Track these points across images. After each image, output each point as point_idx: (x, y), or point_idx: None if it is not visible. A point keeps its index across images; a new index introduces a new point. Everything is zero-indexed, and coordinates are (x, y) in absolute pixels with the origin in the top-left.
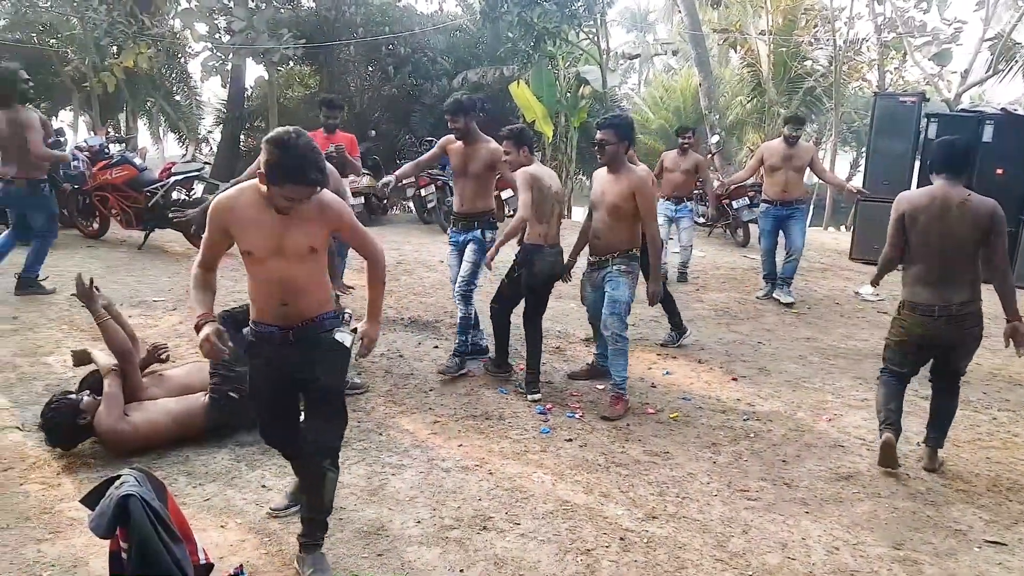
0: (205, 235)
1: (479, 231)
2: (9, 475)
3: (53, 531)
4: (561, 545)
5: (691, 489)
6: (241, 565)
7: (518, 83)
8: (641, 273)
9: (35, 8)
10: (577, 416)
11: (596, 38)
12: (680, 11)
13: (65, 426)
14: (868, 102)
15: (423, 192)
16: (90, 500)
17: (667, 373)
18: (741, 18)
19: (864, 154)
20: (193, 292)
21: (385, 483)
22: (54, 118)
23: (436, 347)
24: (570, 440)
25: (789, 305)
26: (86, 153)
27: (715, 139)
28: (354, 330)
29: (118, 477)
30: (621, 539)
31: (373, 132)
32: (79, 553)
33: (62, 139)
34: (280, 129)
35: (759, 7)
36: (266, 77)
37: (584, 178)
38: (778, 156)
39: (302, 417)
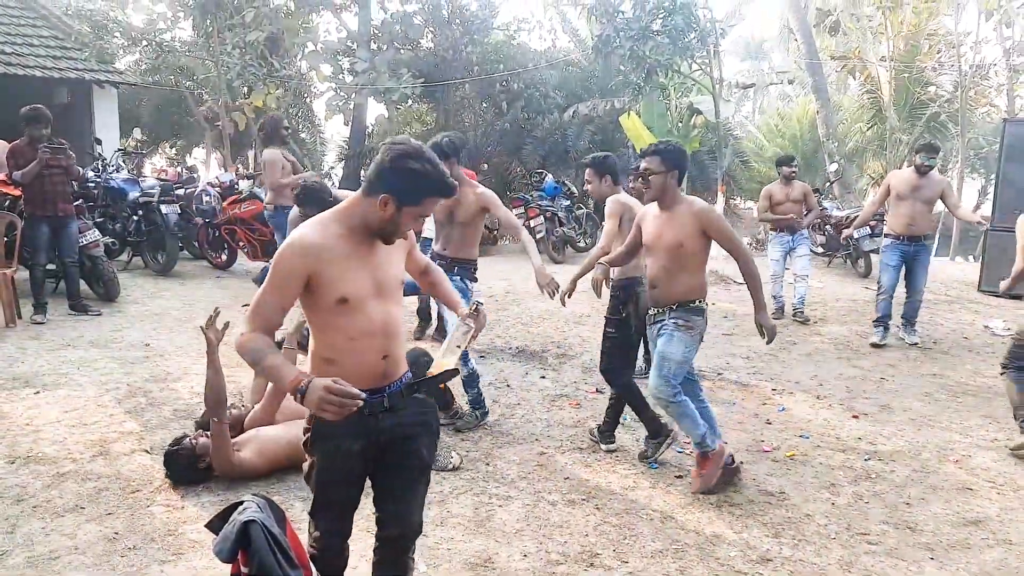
0: (272, 288)
1: (458, 276)
2: (137, 497)
3: (176, 552)
4: None
5: (808, 531)
6: None
7: (629, 114)
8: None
9: (174, 52)
10: (687, 452)
11: (709, 68)
12: (796, 39)
13: (187, 475)
14: (997, 128)
15: (532, 223)
16: (215, 525)
17: (783, 409)
18: (860, 44)
19: (993, 182)
20: (265, 360)
21: (492, 514)
22: (188, 156)
23: (543, 377)
24: (680, 477)
25: (914, 345)
26: (217, 189)
27: (833, 167)
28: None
29: (241, 503)
30: None
31: (485, 165)
32: (199, 575)
33: (195, 175)
34: (399, 139)
35: (879, 33)
36: (386, 115)
37: None
38: (907, 185)
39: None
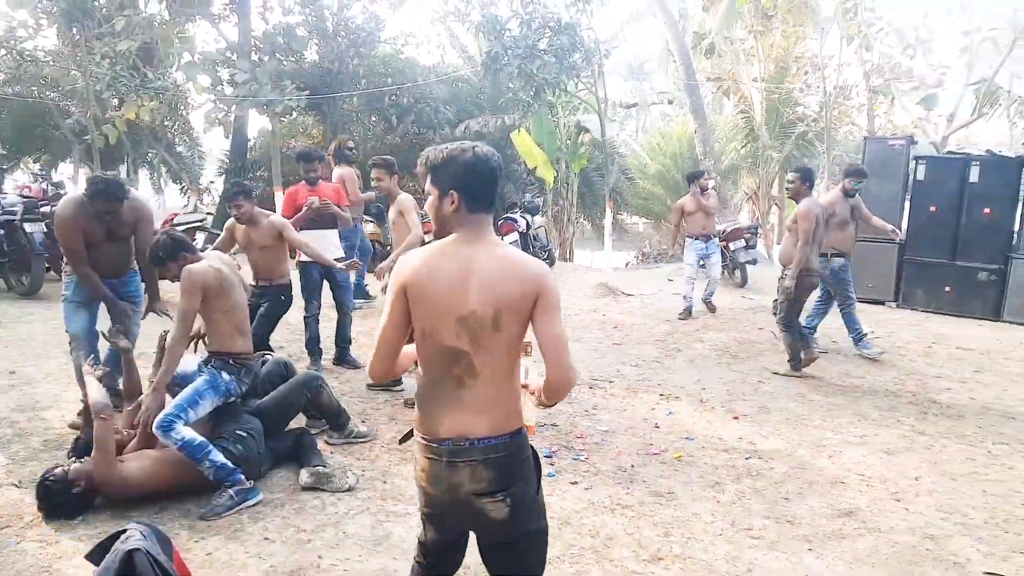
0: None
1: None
2: (6, 533)
3: None
4: None
5: (695, 529)
6: None
7: (519, 131)
8: None
9: (36, 63)
10: (583, 459)
11: (594, 88)
12: (675, 60)
13: (63, 503)
14: (859, 145)
15: (427, 238)
16: (95, 556)
17: (670, 413)
18: (734, 66)
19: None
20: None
21: (390, 532)
22: (54, 171)
23: None
24: (575, 483)
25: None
26: None
27: (711, 183)
28: None
29: (123, 531)
30: None
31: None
32: None
33: (62, 191)
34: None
35: (751, 56)
36: (269, 128)
37: (585, 221)
38: (847, 209)
39: None
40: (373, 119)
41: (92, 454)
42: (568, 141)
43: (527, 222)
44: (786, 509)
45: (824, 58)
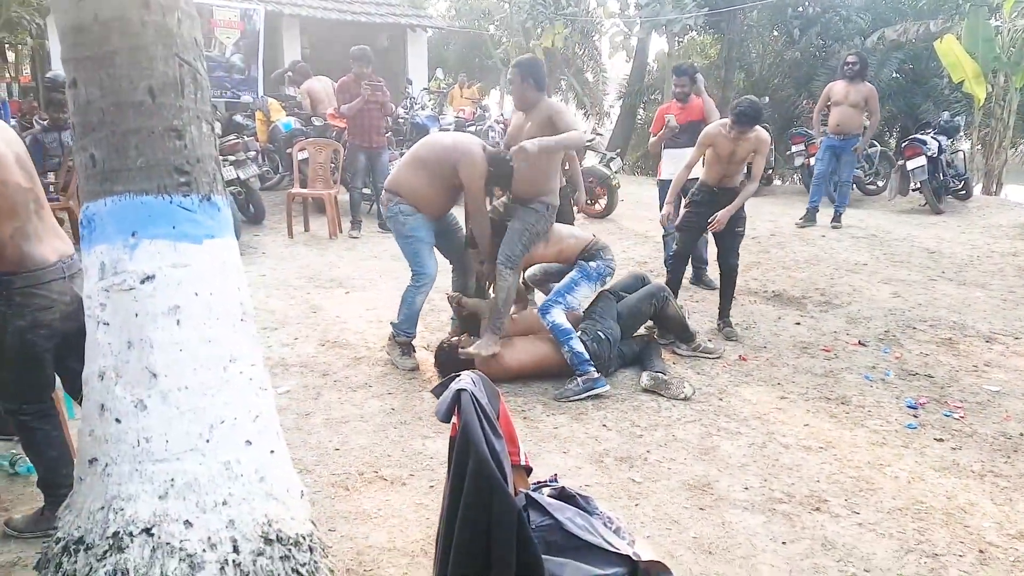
0: None
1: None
2: (412, 383)
3: (436, 431)
4: (904, 543)
5: None
6: (556, 475)
7: (941, 39)
8: None
9: None
10: (957, 417)
11: None
12: None
13: (451, 365)
14: None
15: (811, 161)
16: (438, 391)
17: None
18: None
19: None
20: None
21: (717, 446)
22: (486, 97)
23: (798, 324)
24: (941, 440)
25: None
26: (501, 125)
27: None
28: None
29: (458, 375)
30: (980, 551)
31: (767, 99)
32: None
33: (487, 114)
34: None
35: None
36: (666, 50)
37: None
38: None
39: None
40: (774, 34)
41: (479, 348)
42: (1012, 49)
43: (939, 145)
44: None
45: None
